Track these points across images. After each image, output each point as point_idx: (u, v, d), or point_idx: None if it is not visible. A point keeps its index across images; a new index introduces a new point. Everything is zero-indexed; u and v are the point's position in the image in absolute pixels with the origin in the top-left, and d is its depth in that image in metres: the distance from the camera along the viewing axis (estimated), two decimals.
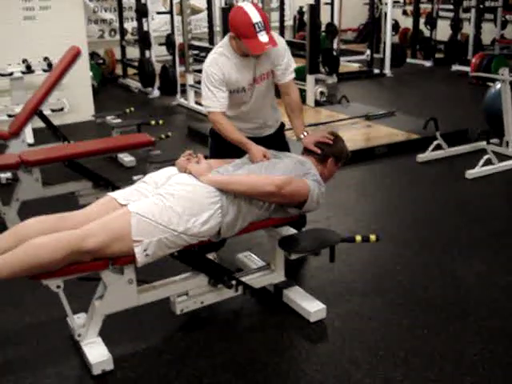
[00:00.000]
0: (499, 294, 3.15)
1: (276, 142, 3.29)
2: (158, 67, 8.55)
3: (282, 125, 3.44)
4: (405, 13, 12.87)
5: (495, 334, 2.79)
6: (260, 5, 7.01)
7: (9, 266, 2.30)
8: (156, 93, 8.62)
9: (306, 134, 3.14)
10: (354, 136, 6.13)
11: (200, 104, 7.57)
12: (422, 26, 11.18)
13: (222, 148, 3.16)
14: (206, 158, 2.94)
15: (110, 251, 2.44)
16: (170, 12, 9.07)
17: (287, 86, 3.17)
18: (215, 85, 2.98)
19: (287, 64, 3.12)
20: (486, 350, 2.67)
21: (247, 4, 2.90)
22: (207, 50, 9.29)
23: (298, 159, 2.96)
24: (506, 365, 2.58)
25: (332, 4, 10.80)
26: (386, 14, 10.12)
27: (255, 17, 2.84)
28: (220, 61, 2.99)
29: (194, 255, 2.78)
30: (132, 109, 5.97)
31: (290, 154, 3.10)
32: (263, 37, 2.85)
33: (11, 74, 6.44)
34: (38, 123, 5.46)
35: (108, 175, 4.42)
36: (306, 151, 3.08)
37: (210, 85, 2.99)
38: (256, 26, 2.83)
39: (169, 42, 9.65)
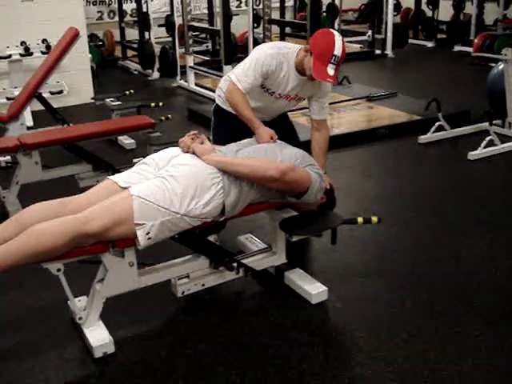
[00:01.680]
0: (501, 276, 3.14)
1: (281, 123, 3.29)
2: (157, 49, 8.49)
3: None
4: None
5: (497, 316, 2.79)
6: None
7: (13, 255, 2.29)
8: (156, 75, 8.57)
9: (324, 172, 3.13)
10: (356, 117, 6.11)
11: (200, 86, 7.55)
12: (424, 6, 11.07)
13: (225, 126, 3.15)
14: (208, 139, 2.92)
15: (112, 235, 2.42)
16: None
17: (321, 123, 3.25)
18: (259, 71, 2.99)
19: (326, 104, 3.24)
20: (488, 331, 2.67)
21: (339, 37, 2.96)
22: (207, 32, 9.33)
23: (303, 152, 2.95)
24: (508, 346, 2.57)
25: None
26: None
27: (338, 50, 2.91)
28: (279, 59, 3.01)
29: (195, 237, 2.77)
30: (132, 91, 5.93)
31: (297, 148, 3.08)
32: (331, 70, 2.91)
33: (10, 56, 6.41)
34: (37, 106, 5.44)
35: (108, 158, 4.40)
36: None
37: (255, 67, 3.00)
38: (333, 57, 2.89)
39: (168, 24, 9.57)
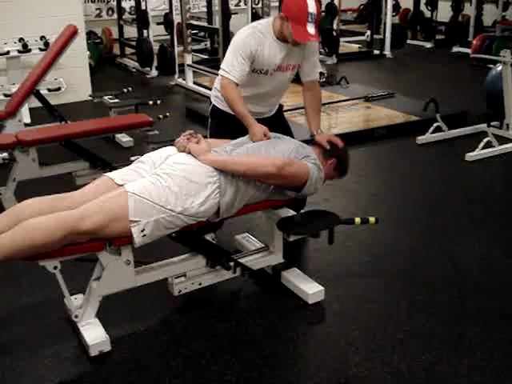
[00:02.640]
0: (499, 277, 3.15)
1: (276, 122, 3.28)
2: (155, 47, 8.48)
3: (281, 106, 3.43)
4: None
5: (494, 317, 2.79)
6: None
7: (5, 248, 2.28)
8: (154, 73, 8.55)
9: (319, 131, 3.16)
10: (354, 117, 6.11)
11: (198, 84, 7.54)
12: (422, 7, 11.07)
13: (222, 128, 3.13)
14: (205, 137, 2.91)
15: (106, 232, 2.41)
16: None
17: (313, 84, 3.23)
18: (243, 55, 2.95)
19: (316, 62, 3.20)
20: (485, 332, 2.67)
21: None
22: (206, 30, 9.32)
23: (299, 143, 2.94)
24: (504, 348, 2.57)
25: None
26: None
27: (312, 7, 2.87)
28: (258, 36, 2.99)
29: (192, 236, 2.76)
30: (130, 89, 5.92)
31: (290, 138, 3.07)
32: (311, 29, 2.88)
33: (7, 52, 6.39)
34: (35, 103, 5.43)
35: (105, 156, 4.39)
36: (313, 144, 3.07)
37: (238, 53, 2.96)
38: (310, 15, 2.86)
39: (167, 22, 9.56)
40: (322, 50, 9.50)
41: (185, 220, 2.55)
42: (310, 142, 3.12)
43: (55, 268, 2.41)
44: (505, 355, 2.52)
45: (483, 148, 4.95)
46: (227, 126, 3.09)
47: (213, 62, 8.10)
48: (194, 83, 7.68)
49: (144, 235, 2.46)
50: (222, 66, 3.04)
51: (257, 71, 3.05)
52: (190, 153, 2.67)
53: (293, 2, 2.91)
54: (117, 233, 2.44)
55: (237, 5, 11.35)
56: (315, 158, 2.87)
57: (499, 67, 5.55)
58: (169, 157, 2.67)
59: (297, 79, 3.28)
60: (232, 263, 2.88)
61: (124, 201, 2.42)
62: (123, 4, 9.77)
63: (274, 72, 3.08)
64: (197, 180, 2.55)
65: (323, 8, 10.61)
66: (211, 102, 3.35)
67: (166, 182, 2.50)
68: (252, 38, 2.97)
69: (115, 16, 9.85)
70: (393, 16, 10.39)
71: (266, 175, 2.65)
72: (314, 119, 3.21)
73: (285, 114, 3.57)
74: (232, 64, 2.97)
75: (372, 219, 2.92)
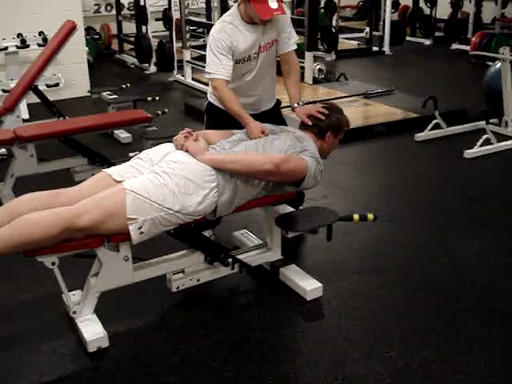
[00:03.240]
0: (497, 275, 3.15)
1: (273, 117, 3.26)
2: (154, 43, 8.46)
3: (278, 101, 3.42)
4: None
5: (492, 315, 2.79)
6: None
7: (2, 243, 2.27)
8: (152, 69, 8.54)
9: (300, 103, 3.13)
10: (352, 114, 6.07)
11: (197, 80, 7.53)
12: (422, 4, 11.05)
13: (218, 125, 3.12)
14: None
15: (104, 228, 2.41)
16: None
17: (288, 55, 3.19)
18: (222, 52, 2.94)
19: (290, 34, 3.15)
20: (483, 330, 2.67)
21: None
22: (204, 26, 9.30)
23: (295, 135, 2.92)
24: (503, 346, 2.57)
25: None
26: None
27: None
28: (228, 28, 2.97)
29: (191, 233, 2.76)
30: (128, 84, 5.91)
31: (288, 128, 3.06)
32: (273, 3, 2.86)
33: (6, 48, 6.37)
34: (33, 98, 5.42)
35: (104, 152, 4.38)
36: (304, 126, 3.04)
37: (216, 51, 2.95)
38: None
39: (166, 18, 9.52)
40: (321, 47, 9.49)
41: (182, 218, 2.54)
42: (300, 127, 3.07)
43: (53, 264, 2.41)
44: (503, 352, 2.53)
45: (482, 145, 4.94)
46: (223, 122, 3.08)
47: None
48: (193, 79, 7.67)
49: (141, 233, 2.46)
50: (206, 70, 3.03)
51: (240, 61, 3.03)
52: (187, 151, 2.67)
53: None
54: (114, 230, 2.44)
55: (235, 0, 11.31)
56: (313, 150, 2.84)
57: (498, 64, 5.54)
58: (167, 154, 2.66)
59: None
60: (230, 259, 2.88)
61: (122, 198, 2.41)
62: (122, 0, 9.74)
63: (256, 55, 3.06)
64: (195, 179, 2.54)
65: (322, 4, 10.58)
66: (207, 99, 3.34)
67: (164, 180, 2.49)
68: (224, 33, 2.96)
69: (114, 12, 9.82)
70: (392, 13, 10.37)
71: (264, 173, 2.64)
72: (293, 91, 3.18)
73: (282, 110, 3.55)
74: (215, 63, 2.96)
75: (370, 216, 2.92)
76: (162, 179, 2.49)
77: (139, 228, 2.44)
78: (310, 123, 2.99)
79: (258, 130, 2.89)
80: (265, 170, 2.62)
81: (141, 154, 2.73)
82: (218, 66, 2.95)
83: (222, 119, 3.12)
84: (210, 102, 3.29)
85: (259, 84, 3.19)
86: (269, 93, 3.30)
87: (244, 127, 2.95)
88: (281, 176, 2.69)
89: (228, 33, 2.95)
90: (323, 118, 2.98)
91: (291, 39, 3.16)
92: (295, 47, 3.21)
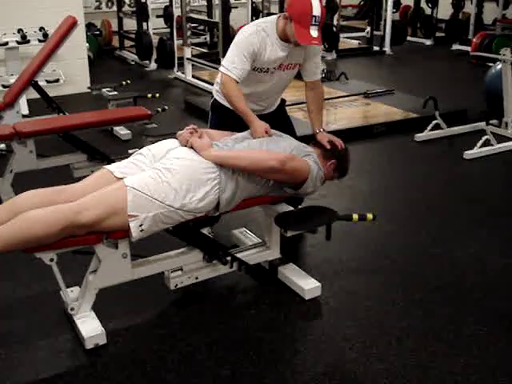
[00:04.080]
0: (496, 276, 3.15)
1: (278, 117, 3.28)
2: (155, 40, 8.45)
3: (283, 100, 3.42)
4: None
5: (490, 316, 2.79)
6: None
7: (3, 240, 2.27)
8: (153, 66, 8.54)
9: (321, 130, 3.16)
10: (353, 114, 6.10)
11: (197, 78, 7.53)
12: (423, 4, 11.04)
13: (223, 123, 3.12)
14: None
15: (105, 225, 2.41)
16: None
17: (315, 83, 3.24)
18: (245, 54, 2.94)
19: (319, 63, 3.22)
20: (481, 331, 2.67)
21: None
22: (205, 24, 9.29)
23: (300, 143, 2.95)
24: (500, 346, 2.57)
25: None
26: None
27: (317, 10, 2.85)
28: (261, 35, 2.97)
29: (189, 230, 2.76)
30: (128, 81, 5.90)
31: (291, 138, 3.07)
32: (314, 32, 2.87)
33: (6, 43, 6.36)
34: (33, 94, 5.40)
35: (103, 148, 4.37)
36: (314, 144, 3.08)
37: (240, 51, 2.95)
38: (314, 18, 2.84)
39: (167, 15, 9.51)
40: (322, 46, 9.47)
41: (183, 215, 2.54)
42: (311, 141, 3.12)
43: (51, 260, 2.40)
44: (501, 354, 2.53)
45: (482, 146, 4.94)
46: (228, 120, 3.09)
47: (212, 55, 8.09)
48: (193, 77, 7.67)
49: (142, 230, 2.45)
50: (222, 63, 3.03)
51: (258, 69, 3.04)
52: (191, 147, 2.66)
53: (298, 3, 2.89)
54: (115, 226, 2.44)
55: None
56: (315, 157, 2.88)
57: (499, 65, 5.54)
58: (169, 151, 2.66)
59: (296, 74, 3.27)
60: (229, 258, 2.88)
61: (123, 195, 2.41)
62: None
63: (275, 71, 3.07)
64: (197, 176, 2.54)
65: (323, 3, 10.57)
66: (213, 96, 3.34)
67: (165, 177, 2.49)
68: (255, 37, 2.96)
69: (115, 8, 9.80)
70: (393, 12, 10.37)
71: (268, 170, 2.64)
72: (316, 118, 3.22)
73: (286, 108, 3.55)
74: (233, 61, 2.95)
75: (370, 216, 2.92)
76: (163, 176, 2.49)
77: (140, 225, 2.43)
78: (328, 147, 3.04)
79: (262, 129, 2.90)
80: (270, 166, 2.62)
81: (142, 150, 2.73)
82: (235, 65, 2.95)
83: (226, 117, 3.12)
84: (215, 99, 3.29)
85: (270, 98, 3.25)
86: (274, 104, 3.35)
87: (248, 126, 2.95)
88: (285, 174, 2.69)
89: (259, 39, 2.96)
90: (341, 147, 3.07)
91: (318, 68, 3.23)
92: (322, 75, 3.27)
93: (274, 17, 3.05)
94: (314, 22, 2.84)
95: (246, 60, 2.95)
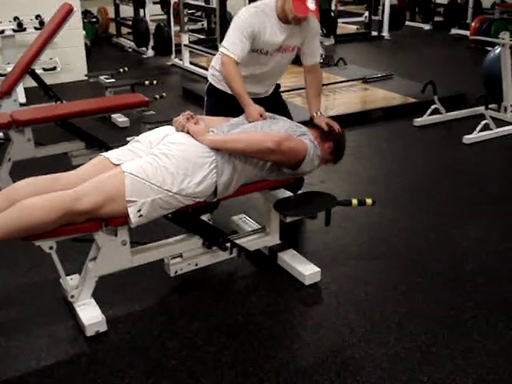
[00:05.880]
0: (496, 260, 3.15)
1: (273, 101, 3.26)
2: (152, 26, 8.41)
3: (278, 85, 3.41)
4: None
5: (490, 300, 2.79)
6: None
7: (1, 228, 2.26)
8: (150, 52, 8.50)
9: (319, 113, 3.16)
10: (351, 99, 6.08)
11: (195, 64, 7.49)
12: None
13: (218, 107, 3.12)
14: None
15: (103, 212, 2.40)
16: None
17: (314, 67, 3.23)
18: (245, 34, 2.94)
19: (318, 46, 3.21)
20: (481, 315, 2.67)
21: None
22: (203, 9, 9.23)
23: (295, 123, 2.93)
24: (500, 331, 2.58)
25: None
26: None
27: None
28: (261, 16, 2.97)
29: (189, 217, 2.75)
30: (126, 68, 5.87)
31: (286, 118, 3.06)
32: (311, 4, 2.88)
33: (2, 32, 6.32)
34: (30, 82, 5.38)
35: (101, 136, 4.36)
36: (312, 126, 3.06)
37: (240, 32, 2.94)
38: None
39: (163, 1, 9.48)
40: (320, 31, 9.43)
41: (182, 200, 2.53)
42: (308, 123, 3.11)
43: (51, 248, 2.40)
44: (501, 338, 2.53)
45: (481, 131, 4.94)
46: (223, 104, 3.08)
47: (210, 41, 8.05)
48: (191, 63, 7.64)
49: (140, 215, 2.45)
50: (222, 44, 3.02)
51: (257, 51, 3.03)
52: (188, 132, 2.65)
53: None
54: (113, 213, 2.43)
55: None
56: (310, 136, 2.86)
57: (497, 49, 5.52)
58: (166, 136, 2.65)
59: (295, 60, 3.25)
60: (228, 244, 2.88)
61: (120, 181, 2.40)
62: None
63: (274, 53, 3.07)
64: (194, 160, 2.53)
65: None
66: (208, 81, 3.33)
67: (162, 162, 2.48)
68: (255, 18, 2.96)
69: None
70: None
71: (265, 151, 2.63)
72: (314, 101, 3.22)
73: (282, 94, 3.54)
74: (233, 42, 2.95)
75: (369, 200, 2.91)
76: (160, 161, 2.48)
77: (138, 211, 2.43)
78: (325, 129, 3.02)
79: (256, 112, 2.89)
80: (266, 147, 2.61)
81: (139, 137, 2.72)
82: (235, 46, 2.94)
83: (222, 101, 3.12)
84: (210, 83, 3.29)
85: (265, 80, 3.23)
86: (271, 87, 3.34)
87: (243, 109, 2.94)
88: (281, 155, 2.67)
89: (259, 20, 2.96)
90: (338, 130, 3.04)
91: (318, 51, 3.23)
92: (320, 60, 3.28)
93: None
94: None
95: (246, 41, 2.94)
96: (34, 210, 2.27)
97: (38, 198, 2.31)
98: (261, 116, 2.89)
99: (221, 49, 3.03)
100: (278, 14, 2.98)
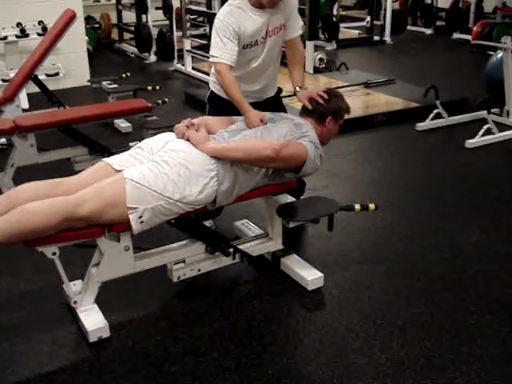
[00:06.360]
0: (498, 264, 3.14)
1: (274, 105, 3.26)
2: (154, 32, 8.42)
3: (279, 89, 3.40)
4: None
5: (493, 305, 2.79)
6: None
7: (1, 232, 2.26)
8: (152, 58, 8.52)
9: (303, 87, 3.12)
10: (353, 104, 6.03)
11: (197, 70, 7.50)
12: None
13: (220, 115, 3.11)
14: None
15: (104, 218, 2.40)
16: None
17: (294, 40, 3.19)
18: (228, 36, 2.91)
19: (297, 19, 3.15)
20: (484, 320, 2.67)
21: None
22: (205, 15, 9.25)
23: (294, 122, 2.92)
24: (503, 335, 2.57)
25: None
26: None
27: None
28: (236, 12, 2.95)
29: (191, 222, 2.75)
30: (128, 74, 5.89)
31: (287, 115, 3.05)
32: None
33: (5, 38, 6.36)
34: (33, 88, 5.40)
35: (104, 141, 4.37)
36: (304, 112, 3.04)
37: (222, 35, 2.92)
38: None
39: (166, 7, 9.47)
40: (322, 36, 9.45)
41: (183, 207, 2.53)
42: (299, 114, 3.06)
43: (54, 254, 2.40)
44: (504, 342, 2.53)
45: (483, 135, 4.93)
46: (225, 112, 3.07)
47: None
48: (193, 69, 7.64)
49: (142, 222, 2.45)
50: (210, 53, 3.00)
51: (247, 46, 3.01)
52: (188, 140, 2.65)
53: None
54: (114, 219, 2.43)
55: None
56: (312, 136, 2.84)
57: (500, 54, 5.52)
58: (167, 143, 2.65)
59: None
60: (231, 249, 2.88)
61: (121, 187, 2.40)
62: None
63: (263, 40, 3.04)
64: (195, 168, 2.53)
65: None
66: (209, 88, 3.33)
67: (164, 169, 2.48)
68: (231, 16, 2.93)
69: (114, 1, 9.75)
70: (393, 2, 10.32)
71: (264, 159, 2.63)
72: (296, 75, 3.18)
73: (283, 99, 3.54)
74: (219, 47, 2.93)
75: (372, 206, 2.91)
76: (161, 168, 2.48)
77: (139, 217, 2.43)
78: (310, 107, 2.98)
79: (256, 118, 2.88)
80: (265, 155, 2.61)
81: (141, 144, 2.72)
82: (223, 50, 2.92)
83: (223, 109, 3.11)
84: (212, 91, 3.28)
85: (264, 71, 3.18)
86: (272, 81, 3.30)
87: (243, 116, 2.94)
88: (281, 162, 2.67)
89: (235, 17, 2.93)
90: (323, 102, 2.98)
91: (297, 24, 3.17)
92: (301, 32, 3.22)
93: None
94: None
95: (231, 42, 2.92)
96: (34, 214, 2.27)
97: (39, 203, 2.32)
98: (261, 121, 2.88)
99: (211, 58, 3.01)
100: (252, 2, 2.96)
